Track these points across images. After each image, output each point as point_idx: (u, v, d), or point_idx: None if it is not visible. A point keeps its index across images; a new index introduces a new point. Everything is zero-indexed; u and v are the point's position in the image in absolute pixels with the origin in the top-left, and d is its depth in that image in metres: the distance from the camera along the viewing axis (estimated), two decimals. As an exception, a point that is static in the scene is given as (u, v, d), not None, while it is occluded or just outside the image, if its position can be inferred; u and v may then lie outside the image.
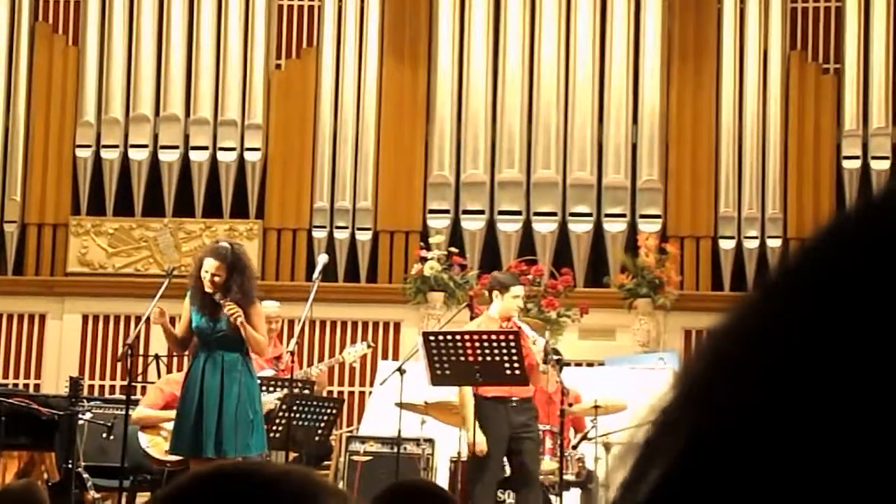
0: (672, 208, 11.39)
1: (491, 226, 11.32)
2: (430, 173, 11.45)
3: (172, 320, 6.89)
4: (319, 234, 11.35)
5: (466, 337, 7.36)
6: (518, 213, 11.30)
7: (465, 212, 11.35)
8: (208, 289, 6.58)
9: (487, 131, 11.44)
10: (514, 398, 7.30)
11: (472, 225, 11.31)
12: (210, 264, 6.60)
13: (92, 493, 7.40)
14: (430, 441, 8.10)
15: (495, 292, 7.52)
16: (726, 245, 11.26)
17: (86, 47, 11.57)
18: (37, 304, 11.30)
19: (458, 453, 7.50)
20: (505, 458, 7.34)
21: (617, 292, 10.70)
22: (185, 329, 6.79)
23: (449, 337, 7.35)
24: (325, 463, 8.39)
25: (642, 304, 10.70)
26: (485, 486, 7.27)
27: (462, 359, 7.22)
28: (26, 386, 10.80)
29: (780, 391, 0.50)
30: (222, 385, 6.60)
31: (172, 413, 7.28)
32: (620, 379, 8.68)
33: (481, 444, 7.24)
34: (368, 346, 8.88)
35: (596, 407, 7.55)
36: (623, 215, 11.28)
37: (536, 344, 7.31)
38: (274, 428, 7.51)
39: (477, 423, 7.19)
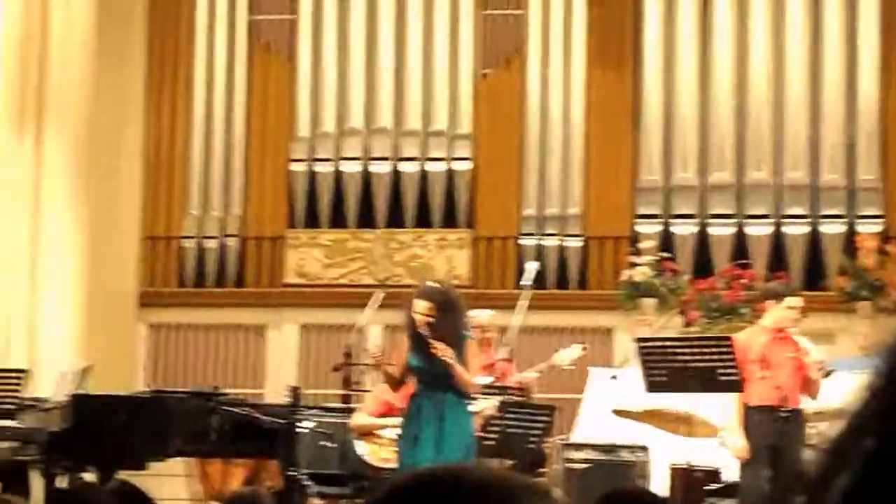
0: (893, 208, 10.99)
1: (702, 230, 11.15)
2: (638, 178, 11.35)
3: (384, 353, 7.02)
4: (529, 242, 11.36)
5: (681, 343, 7.29)
6: (730, 216, 11.10)
7: (676, 216, 11.20)
8: (421, 329, 6.66)
9: (697, 134, 11.27)
10: (783, 408, 7.16)
11: (683, 229, 11.16)
12: (420, 305, 6.69)
13: (314, 500, 7.58)
14: (646, 448, 8.02)
15: (769, 302, 7.43)
16: (951, 245, 10.81)
17: (299, 64, 11.88)
18: (257, 316, 11.63)
19: (674, 460, 7.40)
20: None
21: (836, 295, 10.39)
22: (403, 367, 6.89)
23: (663, 343, 7.29)
24: (540, 470, 8.39)
25: (863, 307, 10.37)
26: (742, 498, 7.17)
27: (677, 365, 7.14)
28: (249, 395, 11.13)
29: None
30: (440, 425, 6.66)
31: (389, 421, 7.40)
32: (841, 384, 8.42)
33: (741, 449, 7.16)
34: (583, 349, 8.85)
35: (818, 413, 7.35)
36: (840, 216, 10.95)
37: (812, 356, 7.19)
38: (488, 435, 7.55)
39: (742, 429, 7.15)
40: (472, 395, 7.18)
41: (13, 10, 10.23)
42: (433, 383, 6.71)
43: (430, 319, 6.64)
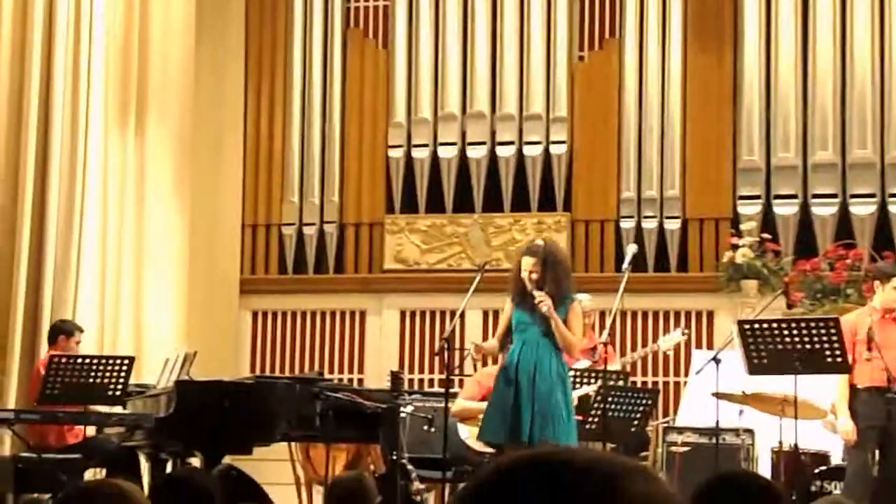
0: None
1: (805, 210, 10.98)
2: (738, 159, 11.21)
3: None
4: (627, 225, 11.29)
5: (783, 325, 7.19)
6: (833, 195, 10.91)
7: (777, 196, 11.04)
8: (529, 287, 6.69)
9: (798, 113, 11.09)
10: (891, 389, 7.05)
11: (785, 210, 11.00)
12: (527, 262, 6.74)
13: (416, 484, 7.62)
14: (750, 431, 7.94)
15: (877, 282, 7.33)
16: None
17: (395, 50, 11.92)
18: (357, 301, 11.72)
19: (780, 443, 7.32)
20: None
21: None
22: (502, 334, 6.91)
23: (765, 325, 7.19)
24: (643, 454, 8.35)
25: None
26: (849, 481, 7.07)
27: (780, 347, 7.05)
28: (350, 380, 11.23)
29: None
30: (536, 369, 6.66)
31: (489, 404, 7.40)
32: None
33: (849, 431, 7.07)
34: (683, 334, 8.80)
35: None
36: (948, 193, 10.71)
37: None
38: (589, 419, 7.53)
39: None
40: (574, 356, 7.16)
41: (114, 5, 10.40)
42: (535, 331, 6.71)
43: (535, 275, 6.67)
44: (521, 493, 1.09)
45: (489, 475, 1.14)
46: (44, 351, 9.09)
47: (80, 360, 7.96)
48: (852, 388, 7.17)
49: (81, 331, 8.83)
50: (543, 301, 6.63)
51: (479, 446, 7.55)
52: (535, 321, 6.72)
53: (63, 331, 8.72)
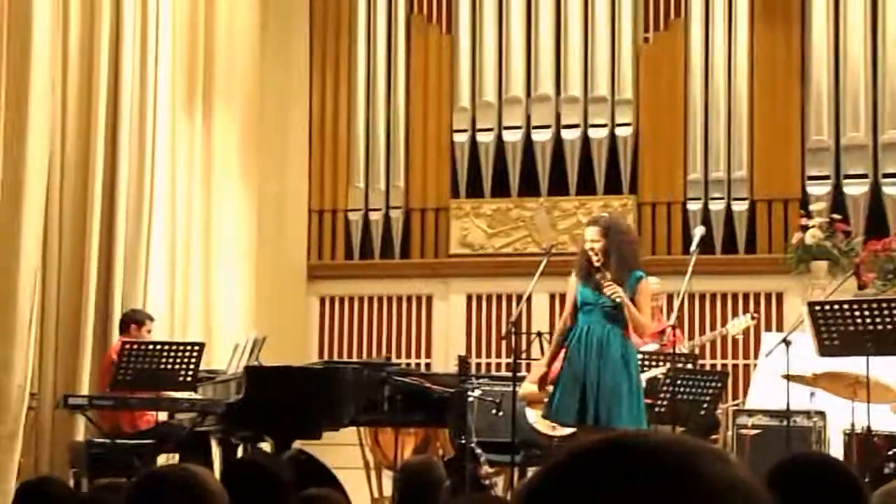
0: None
1: (875, 190, 10.84)
2: (807, 138, 11.08)
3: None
4: (694, 207, 11.21)
5: (854, 306, 7.11)
6: (905, 174, 10.76)
7: (847, 176, 10.91)
8: (594, 260, 6.65)
9: (868, 91, 10.94)
10: None
11: (855, 190, 10.86)
12: (589, 232, 6.73)
13: (485, 468, 7.63)
14: (821, 414, 7.86)
15: None
16: None
17: (459, 34, 11.90)
18: (423, 286, 11.74)
19: (852, 425, 7.25)
20: None
21: None
22: (569, 315, 6.87)
23: (836, 306, 7.12)
24: (713, 437, 8.30)
25: None
26: None
27: (851, 328, 6.98)
28: (418, 365, 11.26)
29: None
30: (601, 350, 6.64)
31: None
32: None
33: None
34: (752, 319, 8.73)
35: None
36: None
37: None
38: (658, 402, 7.50)
39: None
40: (644, 337, 7.12)
41: (180, -8, 10.48)
42: (600, 313, 6.68)
43: (598, 244, 6.64)
44: (596, 477, 1.09)
45: (562, 460, 1.14)
46: (115, 339, 9.20)
47: (151, 347, 8.06)
48: None
49: (152, 320, 8.92)
50: (616, 292, 6.58)
51: (546, 430, 7.55)
52: (601, 300, 6.69)
53: (134, 320, 8.82)
